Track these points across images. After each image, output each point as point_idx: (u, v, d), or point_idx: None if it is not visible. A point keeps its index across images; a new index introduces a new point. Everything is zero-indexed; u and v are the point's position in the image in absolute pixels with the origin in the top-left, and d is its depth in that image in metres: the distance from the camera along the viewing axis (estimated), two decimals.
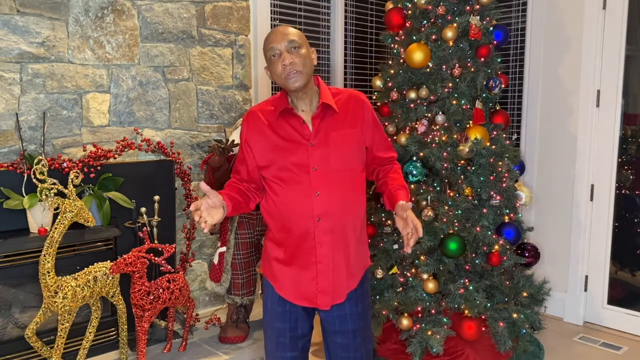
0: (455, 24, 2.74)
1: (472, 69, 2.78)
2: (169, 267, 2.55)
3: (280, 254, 1.82)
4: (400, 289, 2.73)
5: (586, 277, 3.45)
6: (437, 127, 2.77)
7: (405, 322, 2.66)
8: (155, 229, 2.83)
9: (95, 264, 2.46)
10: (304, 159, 1.72)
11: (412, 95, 2.83)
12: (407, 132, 2.86)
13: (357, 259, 1.84)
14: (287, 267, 1.81)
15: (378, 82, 3.05)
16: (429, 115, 2.81)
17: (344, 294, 1.81)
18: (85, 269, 2.41)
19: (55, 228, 2.25)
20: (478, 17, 2.76)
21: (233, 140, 2.75)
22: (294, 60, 1.67)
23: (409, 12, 2.90)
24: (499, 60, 2.90)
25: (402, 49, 2.91)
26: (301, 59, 1.69)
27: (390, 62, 3.04)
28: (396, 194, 1.78)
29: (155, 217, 2.83)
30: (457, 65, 2.75)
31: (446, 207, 2.69)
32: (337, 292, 1.80)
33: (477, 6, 2.78)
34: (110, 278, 2.47)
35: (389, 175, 1.89)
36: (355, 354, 1.86)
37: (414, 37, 2.85)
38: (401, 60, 2.92)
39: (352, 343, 1.85)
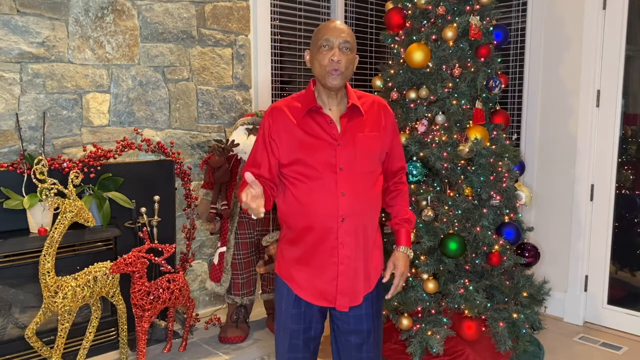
0: (455, 24, 2.74)
1: (472, 69, 2.78)
2: (169, 267, 2.55)
3: (297, 254, 1.80)
4: (401, 288, 2.73)
5: (586, 277, 3.45)
6: (437, 127, 2.77)
7: (405, 322, 2.66)
8: (155, 229, 2.83)
9: (95, 264, 2.46)
10: (332, 158, 1.72)
11: (412, 95, 2.83)
12: (407, 132, 2.86)
13: (374, 262, 1.84)
14: (305, 267, 1.79)
15: (378, 82, 3.05)
16: (429, 115, 2.81)
17: (361, 296, 1.81)
18: (85, 269, 2.41)
19: (55, 228, 2.25)
20: (478, 17, 2.76)
21: (233, 140, 2.75)
22: (342, 59, 1.69)
23: (409, 12, 2.90)
24: (499, 60, 2.90)
25: (402, 49, 2.91)
26: (347, 60, 1.71)
27: (390, 62, 3.04)
28: (399, 234, 1.92)
29: (155, 217, 2.83)
30: (457, 65, 2.75)
31: (446, 207, 2.69)
32: (356, 294, 1.80)
33: (477, 6, 2.78)
34: (110, 278, 2.47)
35: (397, 201, 1.94)
36: (368, 355, 1.86)
37: (414, 37, 2.85)
38: (401, 60, 2.92)
39: (366, 343, 1.85)
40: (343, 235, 1.74)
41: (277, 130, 1.76)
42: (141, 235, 2.57)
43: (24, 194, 2.44)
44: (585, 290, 3.46)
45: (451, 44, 2.75)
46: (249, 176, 1.53)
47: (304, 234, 1.77)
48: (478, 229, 2.69)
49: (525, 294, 2.81)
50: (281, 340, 1.88)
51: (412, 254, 1.93)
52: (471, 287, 2.64)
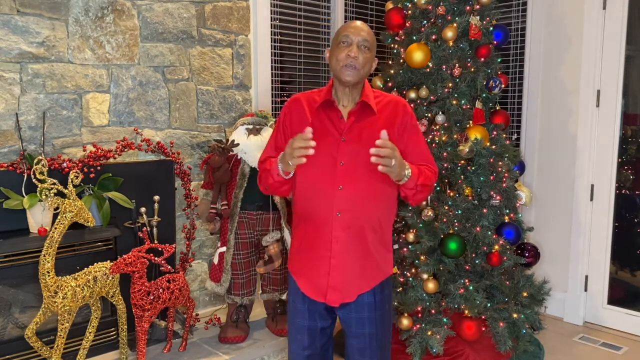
0: (455, 24, 2.74)
1: (472, 69, 2.78)
2: (169, 267, 2.55)
3: (300, 247, 1.84)
4: (400, 289, 2.73)
5: (586, 277, 3.45)
6: (437, 127, 2.77)
7: (405, 322, 2.66)
8: (155, 229, 2.83)
9: (95, 264, 2.46)
10: (334, 152, 1.75)
11: (412, 95, 2.83)
12: None
13: (376, 262, 1.81)
14: (303, 259, 1.83)
15: (378, 82, 3.05)
16: (429, 115, 2.81)
17: (354, 294, 1.80)
18: (85, 269, 2.41)
19: (55, 228, 2.25)
20: (478, 17, 2.76)
21: (233, 140, 2.75)
22: (358, 56, 1.72)
23: (409, 12, 2.90)
24: (499, 60, 2.90)
25: (402, 49, 2.91)
26: (364, 59, 1.74)
27: (390, 62, 3.04)
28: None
29: (155, 217, 2.83)
30: (457, 65, 2.75)
31: (446, 207, 2.69)
32: (348, 291, 1.80)
33: (477, 6, 2.78)
34: (110, 278, 2.47)
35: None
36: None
37: (414, 37, 2.85)
38: (401, 60, 2.92)
39: (368, 347, 1.84)
40: (337, 229, 1.74)
41: (291, 120, 1.83)
42: (141, 235, 2.57)
43: (24, 194, 2.44)
44: (585, 290, 3.46)
45: (451, 44, 2.75)
46: (309, 130, 1.60)
47: (306, 227, 1.81)
48: (478, 229, 2.68)
49: (525, 294, 2.81)
50: (289, 335, 1.91)
51: (409, 172, 1.72)
52: (471, 287, 2.64)
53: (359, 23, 1.77)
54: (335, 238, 1.75)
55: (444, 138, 2.73)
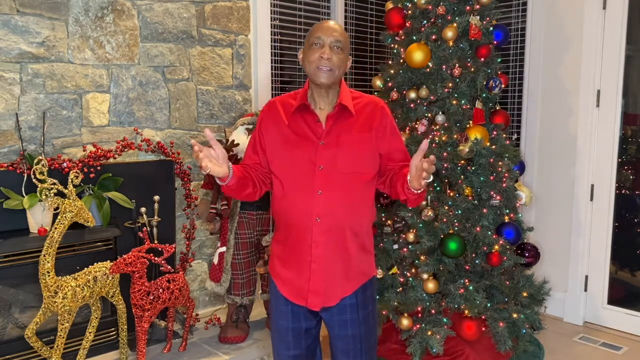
0: (455, 24, 2.74)
1: (472, 69, 2.78)
2: (169, 267, 2.55)
3: (280, 251, 1.83)
4: (400, 289, 2.73)
5: (586, 277, 3.45)
6: (437, 127, 2.77)
7: (405, 322, 2.66)
8: (155, 229, 2.83)
9: (95, 264, 2.46)
10: (312, 156, 1.73)
11: (412, 95, 2.83)
12: (407, 132, 2.86)
13: (357, 266, 1.80)
14: (286, 264, 1.81)
15: (378, 82, 3.05)
16: (429, 115, 2.81)
17: (337, 298, 1.79)
18: (85, 269, 2.41)
19: (55, 228, 2.25)
20: (478, 17, 2.76)
21: (233, 140, 2.75)
22: (332, 57, 1.70)
23: (409, 12, 2.90)
24: (499, 60, 2.90)
25: (402, 49, 2.91)
26: (338, 60, 1.71)
27: (390, 62, 3.04)
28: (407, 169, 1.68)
29: (155, 217, 2.83)
30: (457, 65, 2.75)
31: (446, 207, 2.69)
32: (329, 295, 1.78)
33: (477, 6, 2.78)
34: (110, 278, 2.47)
35: (401, 165, 1.79)
36: None
37: (414, 37, 2.85)
38: (401, 60, 2.92)
39: (352, 349, 1.83)
40: (317, 234, 1.73)
41: (267, 125, 1.80)
42: (141, 235, 2.57)
43: (24, 194, 2.44)
44: (585, 290, 3.46)
45: (451, 44, 2.75)
46: (208, 132, 1.57)
47: (286, 232, 1.79)
48: (478, 229, 2.68)
49: (525, 294, 2.81)
50: (274, 336, 1.91)
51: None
52: (471, 287, 2.64)
53: (331, 23, 1.74)
54: (315, 243, 1.73)
55: (444, 138, 2.72)
